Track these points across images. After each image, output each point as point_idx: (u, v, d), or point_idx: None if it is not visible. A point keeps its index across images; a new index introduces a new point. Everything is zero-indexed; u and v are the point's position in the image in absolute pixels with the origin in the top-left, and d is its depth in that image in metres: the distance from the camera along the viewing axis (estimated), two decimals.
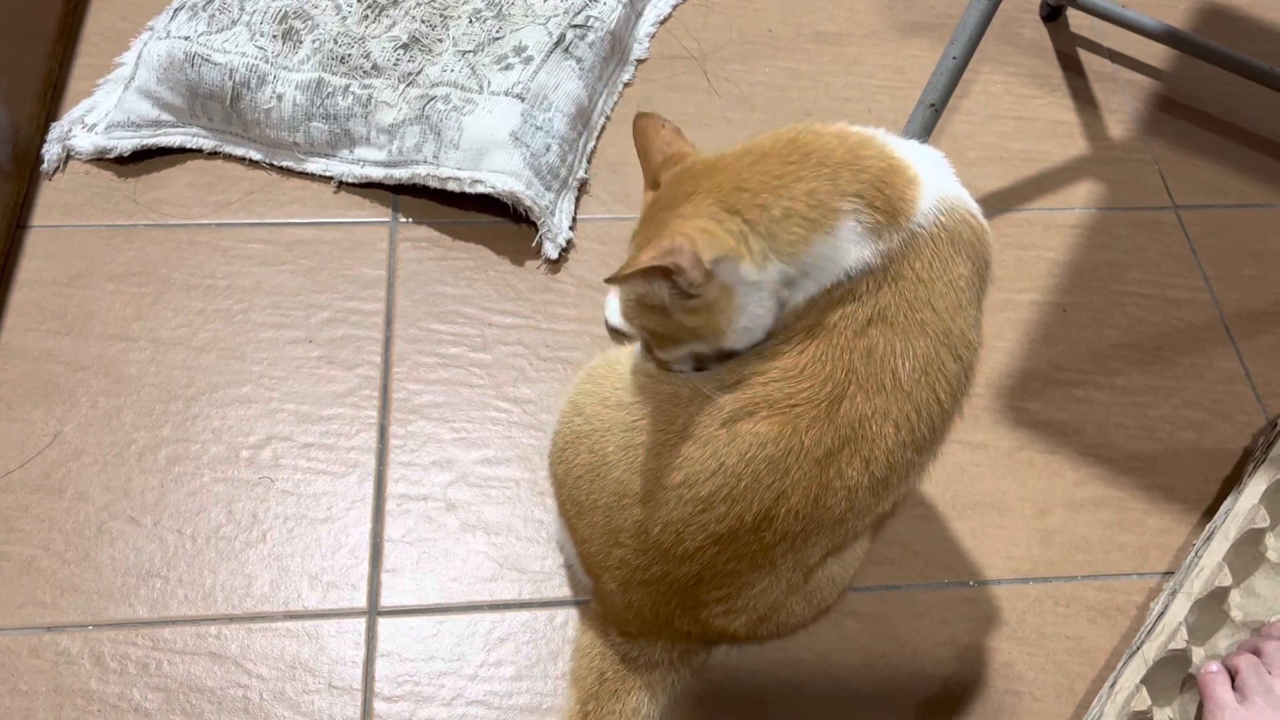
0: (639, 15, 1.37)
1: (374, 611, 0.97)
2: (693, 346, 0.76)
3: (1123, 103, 1.38)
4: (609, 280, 0.71)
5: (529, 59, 1.22)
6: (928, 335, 0.72)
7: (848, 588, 0.95)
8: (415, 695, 0.93)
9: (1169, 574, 1.03)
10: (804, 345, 0.73)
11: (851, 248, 0.70)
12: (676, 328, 0.74)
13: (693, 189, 0.72)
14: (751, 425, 0.73)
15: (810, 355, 0.72)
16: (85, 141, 1.20)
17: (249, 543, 0.99)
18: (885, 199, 0.70)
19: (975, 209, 0.74)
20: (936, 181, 0.73)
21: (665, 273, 0.68)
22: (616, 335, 1.12)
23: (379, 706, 0.92)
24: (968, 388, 0.76)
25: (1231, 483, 1.08)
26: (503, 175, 1.15)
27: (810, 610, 0.92)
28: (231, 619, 0.95)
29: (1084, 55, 1.42)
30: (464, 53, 1.23)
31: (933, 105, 1.16)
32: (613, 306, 1.13)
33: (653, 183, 0.78)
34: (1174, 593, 0.97)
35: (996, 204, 1.27)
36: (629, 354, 0.84)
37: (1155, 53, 1.43)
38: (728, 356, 0.77)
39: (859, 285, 0.71)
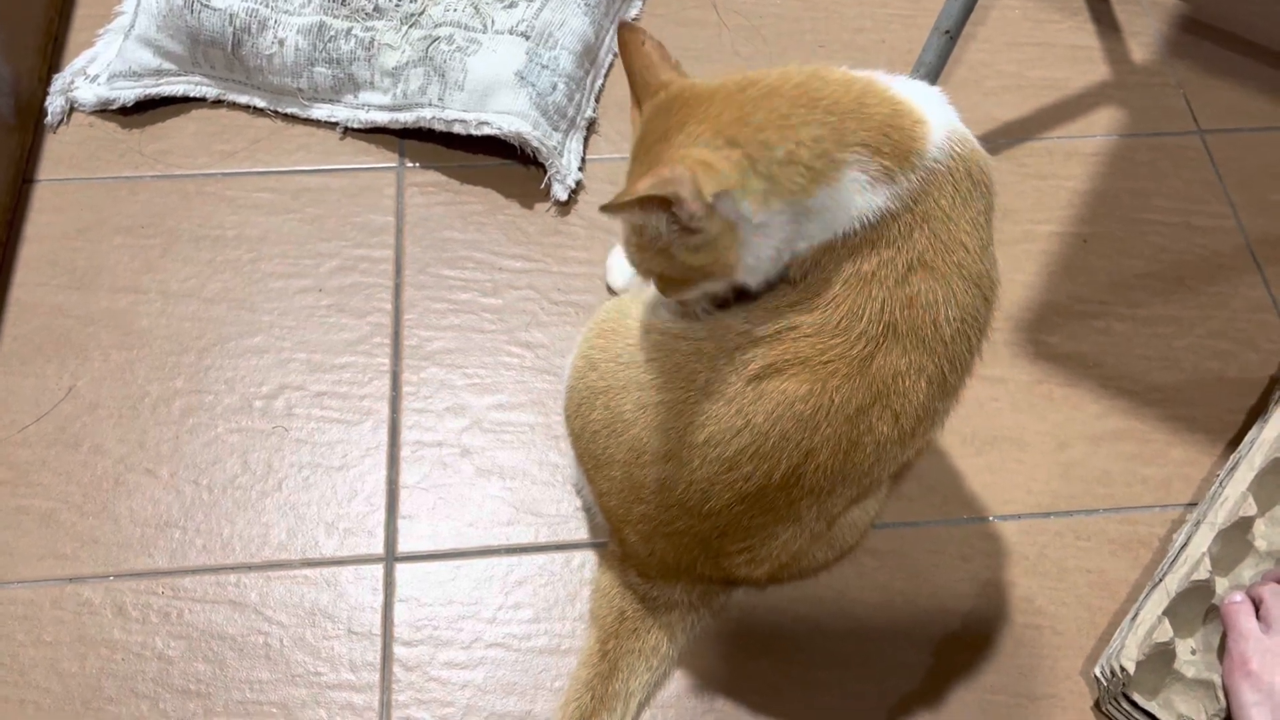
0: None
1: (391, 557, 0.97)
2: (704, 287, 0.73)
3: (1146, 25, 1.34)
4: (603, 209, 0.67)
5: None
6: (965, 278, 0.70)
7: (869, 528, 0.94)
8: (434, 639, 0.93)
9: (1192, 505, 1.02)
10: (840, 298, 0.70)
11: (857, 197, 0.67)
12: (683, 268, 0.71)
13: (686, 118, 0.68)
14: (780, 383, 0.71)
15: (846, 309, 0.70)
16: (88, 93, 1.19)
17: (265, 492, 0.99)
18: (892, 143, 0.67)
19: (979, 144, 0.72)
20: (942, 117, 0.70)
21: (664, 204, 0.64)
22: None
23: (398, 651, 0.93)
24: (989, 329, 0.75)
25: (1257, 412, 1.07)
26: (509, 116, 1.13)
27: (832, 554, 0.91)
28: (250, 567, 0.96)
29: None
30: None
31: (948, 32, 1.13)
32: (615, 269, 1.09)
33: (638, 103, 0.74)
34: (1197, 523, 0.95)
35: (1015, 133, 1.24)
36: (638, 307, 0.82)
37: None
38: (744, 294, 0.74)
39: (885, 231, 0.68)
